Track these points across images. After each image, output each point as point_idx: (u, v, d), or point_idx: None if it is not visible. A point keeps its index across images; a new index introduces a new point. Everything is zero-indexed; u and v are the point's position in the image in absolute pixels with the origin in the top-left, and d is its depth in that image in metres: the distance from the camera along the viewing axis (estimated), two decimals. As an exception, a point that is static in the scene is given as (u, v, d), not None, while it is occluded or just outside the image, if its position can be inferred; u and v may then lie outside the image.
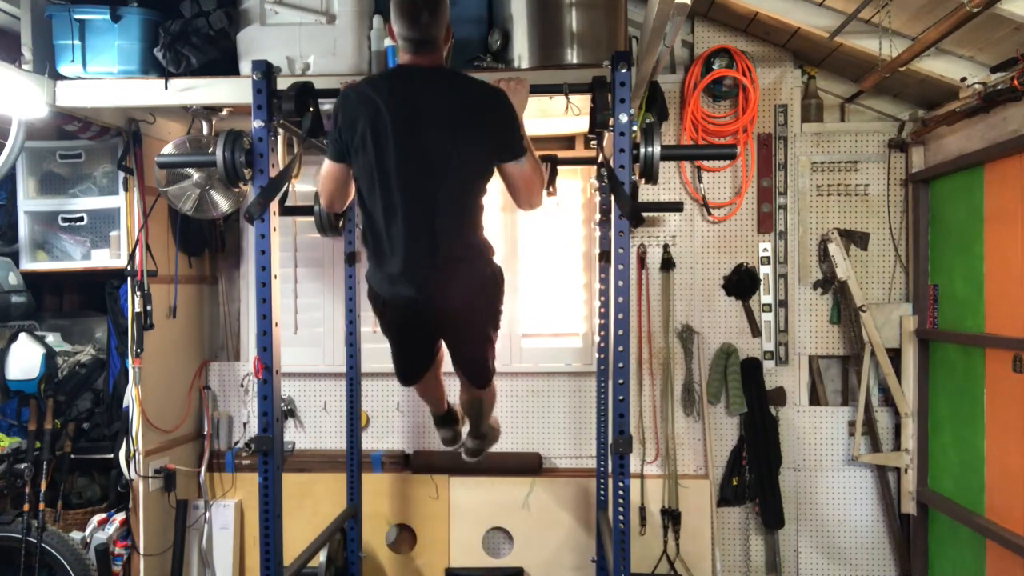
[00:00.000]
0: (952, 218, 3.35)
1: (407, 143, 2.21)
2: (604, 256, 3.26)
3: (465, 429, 3.00)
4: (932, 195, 3.53)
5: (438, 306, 2.34)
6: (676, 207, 3.40)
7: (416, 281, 2.28)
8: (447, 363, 2.66)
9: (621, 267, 2.42)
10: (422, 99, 2.23)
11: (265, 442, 2.49)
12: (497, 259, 2.45)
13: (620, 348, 2.44)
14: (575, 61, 2.89)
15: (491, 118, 2.27)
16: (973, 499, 3.15)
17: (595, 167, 3.52)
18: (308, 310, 4.00)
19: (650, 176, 2.50)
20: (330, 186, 2.42)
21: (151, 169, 3.36)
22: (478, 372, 2.59)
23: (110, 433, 3.58)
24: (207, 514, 3.86)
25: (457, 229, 2.30)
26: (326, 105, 2.93)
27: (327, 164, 2.39)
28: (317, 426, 4.03)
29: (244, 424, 4.03)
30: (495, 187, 3.84)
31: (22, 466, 3.37)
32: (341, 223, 3.35)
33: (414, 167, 2.23)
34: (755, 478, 3.71)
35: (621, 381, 2.43)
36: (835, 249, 3.65)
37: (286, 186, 2.61)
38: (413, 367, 2.61)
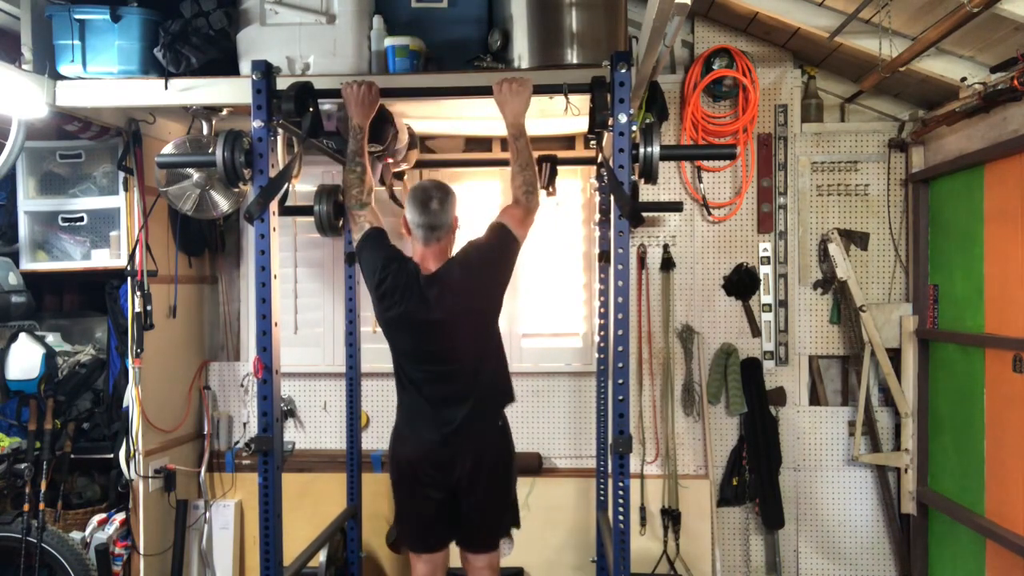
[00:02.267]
0: (952, 218, 3.35)
1: (433, 331, 2.49)
2: (604, 256, 3.26)
3: None
4: (932, 195, 3.53)
5: (462, 449, 2.54)
6: (676, 207, 3.40)
7: (443, 429, 2.53)
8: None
9: (621, 267, 2.42)
10: (433, 302, 2.45)
11: (265, 442, 2.49)
12: None
13: (620, 348, 2.44)
14: (575, 61, 2.89)
15: (498, 272, 2.53)
16: (973, 499, 3.15)
17: (595, 167, 3.52)
18: (308, 310, 4.00)
19: (650, 176, 2.50)
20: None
21: (151, 169, 3.36)
22: (495, 529, 2.68)
23: (110, 433, 3.58)
24: (207, 514, 3.86)
25: (480, 371, 2.58)
26: (326, 105, 2.95)
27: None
28: (317, 426, 4.03)
29: (244, 424, 4.03)
30: (494, 189, 3.84)
31: (22, 466, 3.37)
32: (341, 223, 3.35)
33: (440, 348, 2.52)
34: (755, 478, 3.71)
35: (621, 381, 2.44)
36: (835, 249, 3.65)
37: (286, 186, 2.62)
38: (429, 530, 2.64)
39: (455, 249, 2.58)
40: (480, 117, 3.25)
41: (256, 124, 2.51)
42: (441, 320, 2.46)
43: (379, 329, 2.62)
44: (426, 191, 2.51)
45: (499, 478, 2.63)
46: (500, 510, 2.66)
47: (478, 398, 2.56)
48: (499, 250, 2.51)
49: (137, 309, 3.41)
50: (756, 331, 3.78)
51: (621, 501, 2.48)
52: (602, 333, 3.36)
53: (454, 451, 2.53)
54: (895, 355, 3.61)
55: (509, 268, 2.55)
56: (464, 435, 2.53)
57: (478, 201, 3.78)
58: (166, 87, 2.97)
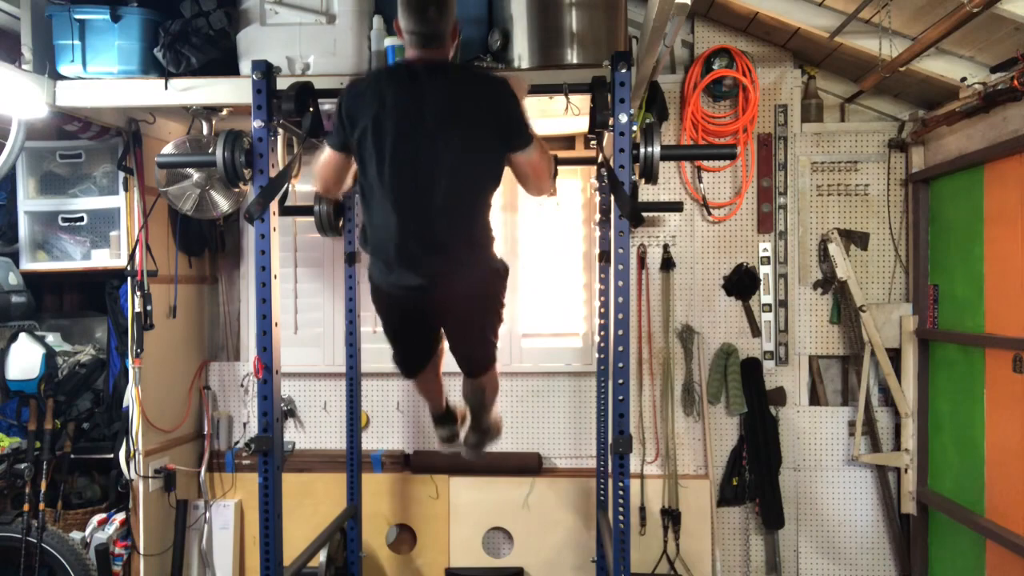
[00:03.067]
0: (952, 218, 3.35)
1: (412, 137, 2.21)
2: (604, 256, 3.26)
3: (463, 430, 2.99)
4: (932, 195, 3.53)
5: (441, 296, 2.32)
6: (676, 207, 3.41)
7: (419, 270, 2.27)
8: (448, 363, 2.66)
9: (621, 267, 2.42)
10: (427, 93, 2.22)
11: (265, 442, 2.50)
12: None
13: (620, 348, 2.44)
14: (575, 61, 2.89)
15: (497, 108, 2.26)
16: (973, 499, 3.15)
17: (595, 167, 3.52)
18: (308, 310, 4.00)
19: (650, 176, 2.50)
20: (327, 173, 2.41)
21: (151, 169, 3.36)
22: (478, 361, 2.56)
23: (110, 433, 3.58)
24: (207, 514, 3.86)
25: (462, 220, 2.29)
26: (326, 105, 2.93)
27: (327, 152, 2.37)
28: (317, 426, 4.03)
29: (244, 424, 4.03)
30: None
31: (22, 466, 3.37)
32: (341, 223, 3.35)
33: (420, 160, 2.22)
34: (755, 478, 3.71)
35: (621, 381, 2.44)
36: (835, 249, 3.65)
37: (286, 186, 2.62)
38: (416, 358, 2.59)
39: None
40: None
41: (256, 124, 2.52)
42: (434, 118, 2.19)
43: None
44: None
45: (487, 308, 2.45)
46: (487, 334, 2.50)
47: (461, 241, 2.29)
48: (505, 98, 2.27)
49: (137, 309, 3.41)
50: (756, 331, 3.78)
51: (621, 501, 2.48)
52: (602, 333, 3.36)
53: (432, 295, 2.31)
54: (895, 355, 3.61)
55: (513, 119, 2.28)
56: (443, 280, 2.29)
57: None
58: (166, 87, 2.97)
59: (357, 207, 3.31)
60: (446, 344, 2.61)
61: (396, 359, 2.60)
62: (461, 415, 2.96)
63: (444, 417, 2.92)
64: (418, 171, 2.22)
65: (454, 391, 2.86)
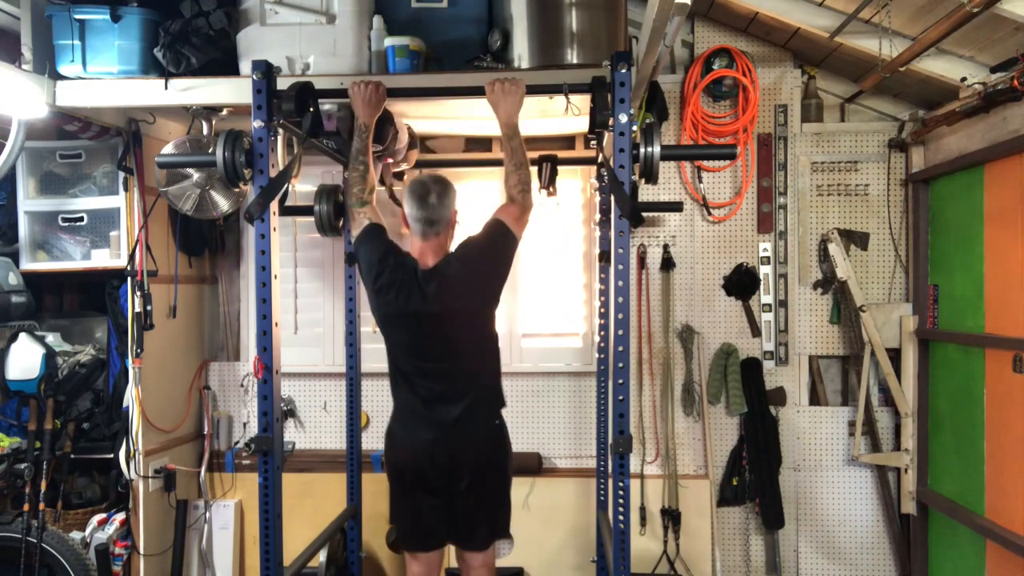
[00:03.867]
0: (952, 218, 3.35)
1: (424, 325, 2.50)
2: (604, 256, 3.26)
3: None
4: (932, 195, 3.53)
5: (459, 446, 2.53)
6: (676, 207, 3.41)
7: (435, 424, 2.53)
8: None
9: (621, 267, 2.42)
10: (433, 297, 2.45)
11: (265, 442, 2.49)
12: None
13: (620, 348, 2.44)
14: (575, 61, 2.89)
15: (496, 268, 2.54)
16: (973, 499, 3.15)
17: (595, 167, 3.53)
18: (308, 310, 3.99)
19: (650, 176, 2.50)
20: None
21: (151, 169, 3.36)
22: (490, 527, 2.68)
23: (110, 433, 3.58)
24: (207, 514, 3.86)
25: (476, 368, 2.57)
26: (326, 105, 2.95)
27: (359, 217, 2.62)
28: (317, 426, 4.03)
29: (244, 424, 4.03)
30: (494, 189, 3.85)
31: (22, 466, 3.37)
32: (341, 223, 3.35)
33: (435, 344, 2.51)
34: (755, 478, 3.71)
35: (621, 381, 2.44)
36: (835, 249, 3.65)
37: (286, 186, 2.62)
38: (425, 529, 2.63)
39: (455, 244, 2.57)
40: (480, 117, 3.24)
41: (256, 124, 2.51)
42: (438, 314, 2.46)
43: (378, 330, 2.62)
44: (424, 185, 2.50)
45: (494, 477, 2.62)
46: (495, 509, 2.66)
47: (474, 398, 2.54)
48: (497, 246, 2.52)
49: (137, 309, 3.41)
50: (756, 331, 3.78)
51: (621, 501, 2.48)
52: (602, 333, 3.36)
53: (448, 450, 2.53)
54: (895, 355, 3.61)
55: (507, 265, 2.56)
56: (458, 434, 2.52)
57: (478, 201, 3.77)
58: (166, 87, 2.97)
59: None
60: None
61: (406, 530, 2.68)
62: None
63: None
64: (435, 352, 2.52)
65: None
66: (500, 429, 2.65)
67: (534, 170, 2.98)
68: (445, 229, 2.53)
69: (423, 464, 2.55)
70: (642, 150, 2.46)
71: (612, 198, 2.43)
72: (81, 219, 3.56)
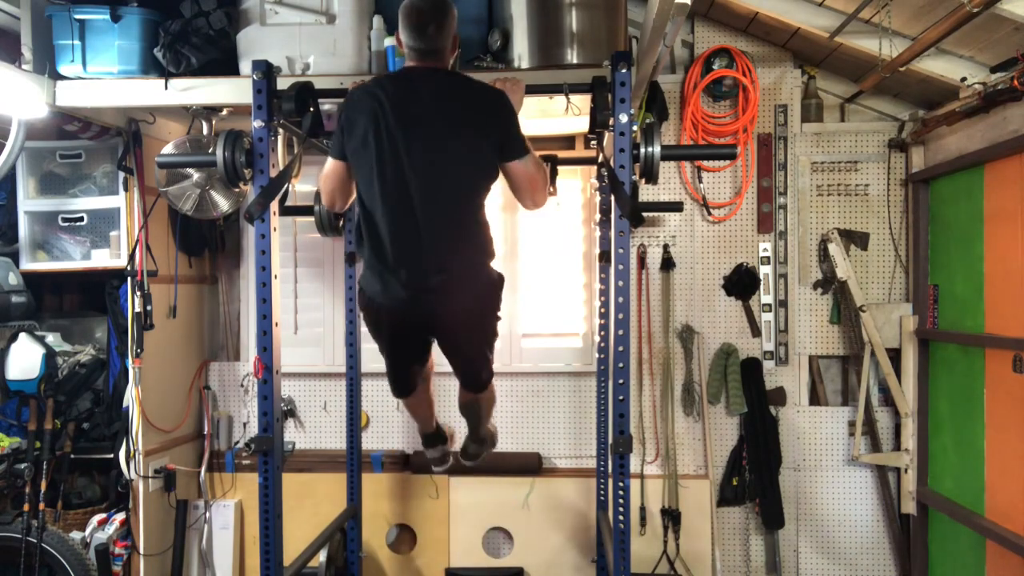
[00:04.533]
0: (952, 218, 3.35)
1: (408, 143, 2.23)
2: (604, 256, 3.26)
3: (454, 448, 3.04)
4: (932, 195, 3.53)
5: (435, 311, 2.34)
6: (676, 207, 3.41)
7: (414, 285, 2.27)
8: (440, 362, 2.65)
9: (621, 267, 2.42)
10: (424, 99, 2.25)
11: (265, 442, 2.49)
12: (497, 259, 2.46)
13: (620, 348, 2.44)
14: (575, 61, 2.89)
15: (494, 118, 2.31)
16: (973, 499, 3.15)
17: (595, 167, 3.52)
18: (308, 310, 4.00)
19: (650, 176, 2.50)
20: (331, 184, 2.43)
21: (151, 169, 3.36)
22: (475, 376, 2.60)
23: (110, 433, 3.58)
24: (207, 514, 3.86)
25: (458, 231, 2.31)
26: (326, 105, 2.94)
27: (329, 162, 2.41)
28: (317, 426, 4.03)
29: (244, 424, 4.03)
30: (495, 186, 3.83)
31: (22, 466, 3.37)
32: (341, 223, 3.36)
33: (416, 168, 2.23)
34: (755, 478, 3.71)
35: (621, 381, 2.44)
36: (835, 249, 3.65)
37: (286, 186, 2.62)
38: (407, 374, 2.60)
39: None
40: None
41: (256, 124, 2.52)
42: (437, 111, 2.21)
43: (344, 163, 2.36)
44: (421, 14, 2.25)
45: (482, 326, 2.45)
46: (483, 358, 2.53)
47: (456, 251, 2.28)
48: (500, 109, 2.31)
49: (137, 309, 3.41)
50: (756, 331, 3.78)
51: (621, 501, 2.48)
52: (602, 333, 3.36)
53: (427, 309, 2.31)
54: (895, 355, 3.61)
55: (509, 131, 2.30)
56: (439, 293, 2.28)
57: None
58: (166, 87, 2.97)
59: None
60: (435, 363, 2.66)
61: (389, 377, 2.62)
62: (450, 435, 3.00)
63: (434, 437, 2.93)
64: (413, 175, 2.23)
65: (443, 412, 2.87)
66: (488, 277, 2.40)
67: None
68: (446, 57, 2.34)
69: (399, 324, 2.39)
70: (642, 150, 2.46)
71: (612, 198, 2.44)
72: (81, 219, 3.56)
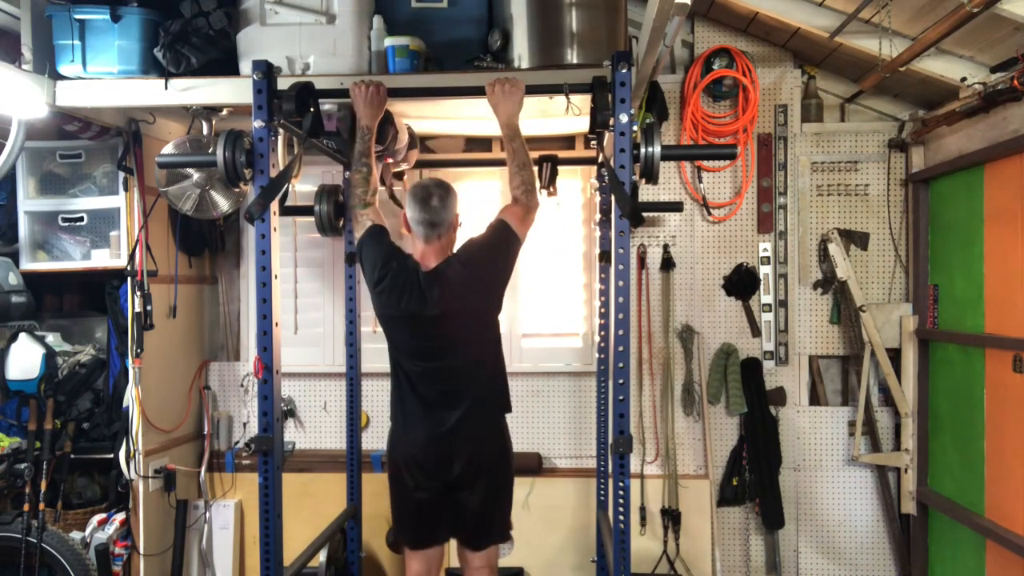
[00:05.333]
0: (952, 218, 3.35)
1: (426, 328, 2.49)
2: (604, 256, 3.26)
3: None
4: (932, 195, 3.53)
5: (459, 442, 2.53)
6: (676, 207, 3.40)
7: (438, 421, 2.53)
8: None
9: (621, 267, 2.42)
10: (435, 299, 2.45)
11: (265, 442, 2.49)
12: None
13: (620, 348, 2.44)
14: (575, 61, 2.89)
15: (499, 269, 2.53)
16: (973, 499, 3.15)
17: (595, 167, 3.53)
18: (308, 310, 3.99)
19: (650, 176, 2.50)
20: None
21: (151, 169, 3.36)
22: (491, 527, 2.66)
23: (110, 433, 3.58)
24: (207, 514, 3.86)
25: (479, 370, 2.57)
26: (326, 105, 2.95)
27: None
28: (317, 426, 4.03)
29: (244, 424, 4.03)
30: (494, 189, 3.84)
31: (22, 466, 3.37)
32: (341, 223, 3.35)
33: (439, 345, 2.52)
34: (755, 478, 3.71)
35: (621, 381, 2.44)
36: (835, 249, 3.65)
37: (286, 186, 2.62)
38: (426, 521, 2.63)
39: (457, 246, 2.57)
40: (480, 117, 3.25)
41: (257, 124, 2.52)
42: (440, 315, 2.46)
43: (379, 328, 2.62)
44: (426, 188, 2.51)
45: (494, 480, 2.62)
46: (494, 512, 2.65)
47: (475, 399, 2.54)
48: (500, 247, 2.52)
49: (137, 309, 3.41)
50: (756, 331, 3.78)
51: (621, 501, 2.48)
52: (602, 333, 3.36)
53: (448, 451, 2.53)
54: (895, 355, 3.61)
55: (510, 266, 2.55)
56: (459, 436, 2.52)
57: (478, 201, 3.78)
58: (166, 87, 2.97)
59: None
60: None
61: (407, 529, 2.67)
62: None
63: None
64: (439, 353, 2.52)
65: None
66: (500, 432, 2.65)
67: (534, 170, 2.98)
68: (447, 232, 2.52)
69: (421, 463, 2.56)
70: (642, 150, 2.46)
71: (612, 198, 2.44)
72: (81, 219, 3.56)
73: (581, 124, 2.97)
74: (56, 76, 3.01)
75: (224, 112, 3.25)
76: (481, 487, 2.58)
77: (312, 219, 3.32)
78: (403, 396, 2.60)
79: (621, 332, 2.43)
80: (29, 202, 3.56)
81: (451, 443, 2.52)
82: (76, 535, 3.42)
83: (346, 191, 3.30)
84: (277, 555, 2.54)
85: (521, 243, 2.55)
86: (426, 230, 2.49)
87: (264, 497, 2.52)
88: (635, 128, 2.45)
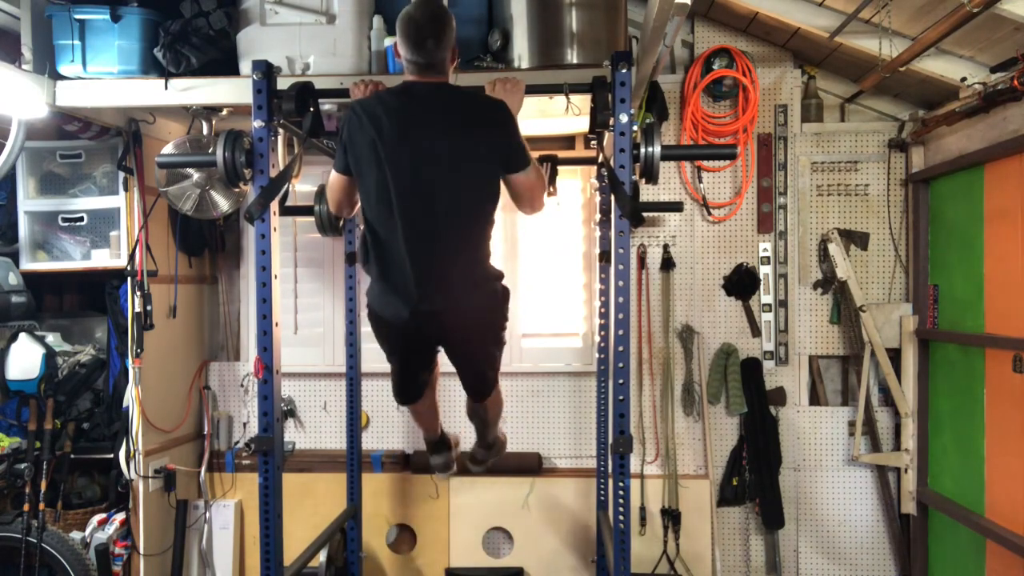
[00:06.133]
0: (952, 218, 3.35)
1: (411, 159, 2.23)
2: (604, 256, 3.26)
3: (456, 454, 3.02)
4: (932, 195, 3.53)
5: (442, 328, 2.37)
6: (676, 207, 3.40)
7: (420, 299, 2.27)
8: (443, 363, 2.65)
9: (621, 267, 2.42)
10: (426, 118, 2.25)
11: (265, 442, 2.49)
12: (498, 259, 2.46)
13: (620, 348, 2.44)
14: (575, 61, 2.89)
15: (496, 131, 2.30)
16: (973, 499, 3.15)
17: (595, 167, 3.52)
18: (308, 310, 4.00)
19: (650, 176, 2.50)
20: (337, 196, 2.46)
21: (151, 169, 3.36)
22: (479, 386, 2.62)
23: (110, 433, 3.58)
24: (207, 514, 3.86)
25: (463, 247, 2.31)
26: (326, 105, 2.95)
27: (333, 174, 2.41)
28: (317, 426, 4.03)
29: (244, 424, 4.03)
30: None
31: (22, 466, 3.37)
32: (341, 223, 3.35)
33: (418, 184, 2.23)
34: (755, 478, 3.71)
35: (621, 381, 2.44)
36: (835, 249, 3.65)
37: (286, 186, 2.61)
38: (414, 384, 2.61)
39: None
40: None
41: (257, 124, 2.51)
42: (424, 148, 2.20)
43: (349, 174, 2.35)
44: (419, 29, 2.22)
45: (488, 339, 2.49)
46: (488, 368, 2.56)
47: (462, 269, 2.31)
48: (499, 127, 2.29)
49: (137, 309, 3.41)
50: (756, 331, 3.78)
51: (621, 501, 2.48)
52: (602, 333, 3.36)
53: (433, 326, 2.34)
54: (895, 355, 3.61)
55: (511, 143, 2.29)
56: (445, 314, 2.31)
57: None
58: (166, 87, 2.97)
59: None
60: (440, 370, 2.67)
61: (395, 386, 2.62)
62: (454, 441, 2.99)
63: (439, 443, 2.91)
64: (417, 193, 2.23)
65: (448, 417, 2.85)
66: (495, 291, 2.42)
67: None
68: (446, 69, 2.31)
69: (406, 338, 2.42)
70: (642, 150, 2.46)
71: (612, 198, 2.43)
72: (81, 219, 3.56)
73: (581, 124, 2.97)
74: (56, 76, 3.01)
75: (224, 112, 3.25)
76: (470, 352, 2.47)
77: (312, 219, 3.32)
78: (378, 263, 2.33)
79: (621, 332, 2.43)
80: (29, 202, 3.56)
81: (437, 315, 2.30)
82: (76, 535, 3.42)
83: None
84: (277, 555, 2.54)
85: (522, 138, 2.33)
86: (421, 69, 2.27)
87: (264, 497, 2.52)
88: (635, 128, 2.45)
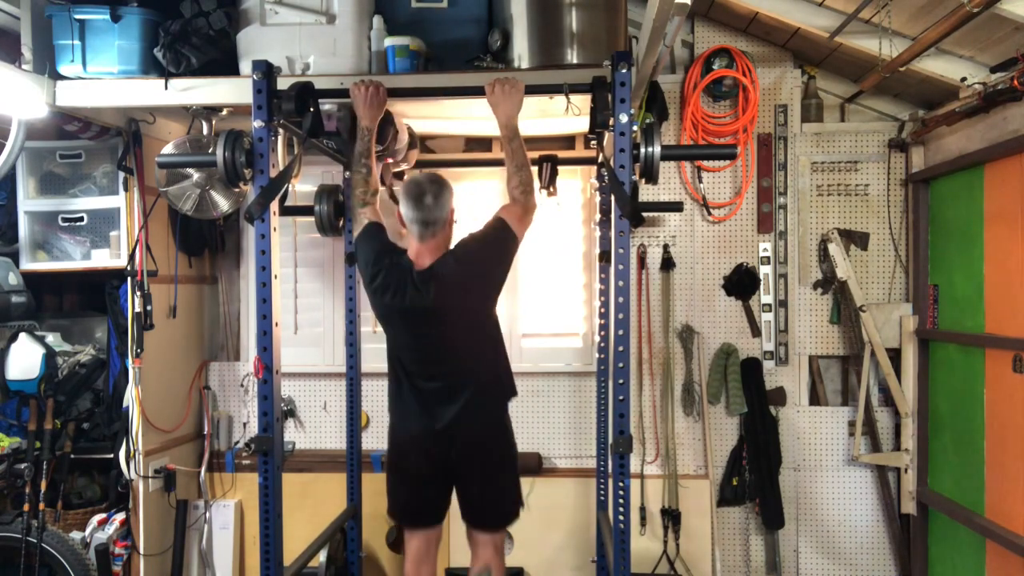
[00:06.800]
0: (952, 218, 3.35)
1: (430, 327, 2.49)
2: (604, 256, 3.27)
3: None
4: (932, 195, 3.53)
5: (457, 437, 2.52)
6: (676, 207, 3.41)
7: (438, 418, 2.51)
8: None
9: (621, 267, 2.42)
10: (430, 296, 2.43)
11: (265, 442, 2.50)
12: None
13: (620, 348, 2.44)
14: (575, 61, 2.89)
15: (495, 267, 2.52)
16: (973, 499, 3.15)
17: (595, 167, 3.53)
18: (308, 310, 4.00)
19: (650, 176, 2.50)
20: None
21: (151, 169, 3.36)
22: (492, 511, 2.64)
23: (110, 433, 3.58)
24: (207, 514, 3.86)
25: (476, 364, 2.57)
26: (326, 105, 2.95)
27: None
28: (317, 426, 4.03)
29: (244, 424, 4.03)
30: (494, 189, 3.84)
31: (22, 466, 3.37)
32: (341, 223, 3.35)
33: (430, 341, 2.51)
34: (755, 478, 3.71)
35: (621, 381, 2.44)
36: (835, 249, 3.65)
37: (286, 186, 2.62)
38: (424, 508, 2.64)
39: (454, 242, 2.56)
40: (480, 117, 3.25)
41: (257, 124, 2.52)
42: (436, 312, 2.44)
43: (379, 328, 2.62)
44: (420, 186, 2.47)
45: (496, 467, 2.61)
46: (498, 498, 2.63)
47: (474, 392, 2.53)
48: (496, 244, 2.50)
49: (137, 309, 3.41)
50: (756, 331, 3.78)
51: (621, 501, 2.48)
52: (602, 333, 3.36)
53: (447, 446, 2.52)
54: (895, 355, 3.61)
55: (506, 263, 2.54)
56: (458, 430, 2.51)
57: (478, 201, 3.78)
58: (166, 87, 2.97)
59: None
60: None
61: (402, 506, 2.67)
62: None
63: None
64: (431, 345, 2.51)
65: None
66: (500, 422, 2.64)
67: (534, 170, 2.98)
68: (442, 229, 2.49)
69: (421, 459, 2.55)
70: (642, 150, 2.46)
71: (612, 198, 2.44)
72: (81, 219, 3.56)
73: (581, 124, 2.97)
74: (56, 76, 3.01)
75: (224, 112, 3.25)
76: (479, 476, 2.57)
77: (312, 219, 3.33)
78: (401, 391, 2.59)
79: (621, 332, 2.43)
80: (29, 202, 3.56)
81: (449, 437, 2.52)
82: (76, 535, 3.42)
83: (346, 191, 3.30)
84: (277, 555, 2.54)
85: (519, 242, 2.54)
86: (421, 228, 2.46)
87: (264, 497, 2.52)
88: (635, 128, 2.45)
